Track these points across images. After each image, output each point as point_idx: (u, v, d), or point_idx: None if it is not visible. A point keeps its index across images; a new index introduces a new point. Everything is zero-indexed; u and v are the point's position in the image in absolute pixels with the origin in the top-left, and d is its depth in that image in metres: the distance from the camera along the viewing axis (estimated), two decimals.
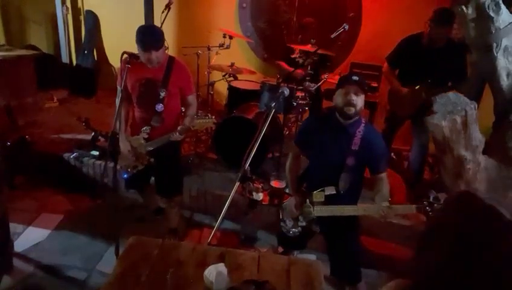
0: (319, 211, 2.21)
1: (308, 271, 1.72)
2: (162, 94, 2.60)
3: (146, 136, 2.68)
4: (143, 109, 2.70)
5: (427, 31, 3.13)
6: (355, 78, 2.12)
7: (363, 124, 2.19)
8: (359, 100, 2.11)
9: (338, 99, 2.15)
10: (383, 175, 2.23)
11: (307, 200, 2.28)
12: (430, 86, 3.13)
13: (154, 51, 2.45)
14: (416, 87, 3.24)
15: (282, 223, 2.42)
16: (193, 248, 1.77)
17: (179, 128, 2.62)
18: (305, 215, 2.30)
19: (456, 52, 3.09)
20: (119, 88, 2.66)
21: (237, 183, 1.91)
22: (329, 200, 2.21)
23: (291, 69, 4.13)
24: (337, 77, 4.11)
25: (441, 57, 3.09)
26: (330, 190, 2.20)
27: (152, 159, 2.72)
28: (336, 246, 2.37)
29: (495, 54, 2.37)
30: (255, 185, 3.28)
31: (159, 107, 2.62)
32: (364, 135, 2.16)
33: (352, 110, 2.10)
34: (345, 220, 2.23)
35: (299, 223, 2.34)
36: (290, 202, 2.40)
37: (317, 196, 2.23)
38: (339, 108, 2.15)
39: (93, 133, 3.76)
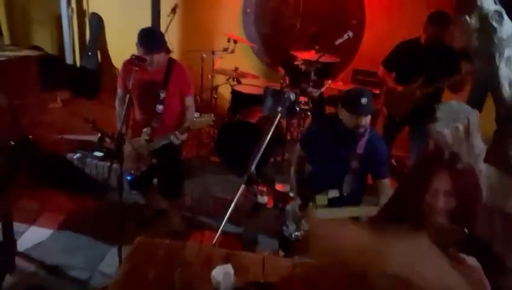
0: (322, 214, 2.22)
1: (313, 273, 1.74)
2: (162, 95, 2.63)
3: (147, 137, 2.69)
4: (143, 110, 2.73)
5: (424, 32, 3.21)
6: (364, 101, 2.05)
7: (367, 129, 2.21)
8: (368, 120, 2.12)
9: (346, 120, 2.13)
10: (387, 181, 2.25)
11: (310, 203, 2.29)
12: (424, 84, 3.20)
13: (156, 54, 2.48)
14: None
15: (284, 227, 2.43)
16: (199, 249, 1.79)
17: (178, 129, 2.62)
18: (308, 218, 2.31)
19: (452, 56, 3.16)
20: (119, 90, 2.69)
21: (243, 186, 1.93)
22: (332, 204, 2.23)
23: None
24: (340, 83, 4.16)
25: (437, 58, 3.17)
26: (333, 193, 2.22)
27: (154, 160, 2.74)
28: None
29: (497, 63, 2.39)
30: (259, 188, 3.29)
31: (160, 108, 2.65)
32: (369, 139, 2.19)
33: (362, 130, 2.13)
34: None
35: (302, 227, 2.35)
36: (293, 205, 2.41)
37: (321, 199, 2.24)
38: (348, 127, 2.14)
39: (99, 134, 3.77)
